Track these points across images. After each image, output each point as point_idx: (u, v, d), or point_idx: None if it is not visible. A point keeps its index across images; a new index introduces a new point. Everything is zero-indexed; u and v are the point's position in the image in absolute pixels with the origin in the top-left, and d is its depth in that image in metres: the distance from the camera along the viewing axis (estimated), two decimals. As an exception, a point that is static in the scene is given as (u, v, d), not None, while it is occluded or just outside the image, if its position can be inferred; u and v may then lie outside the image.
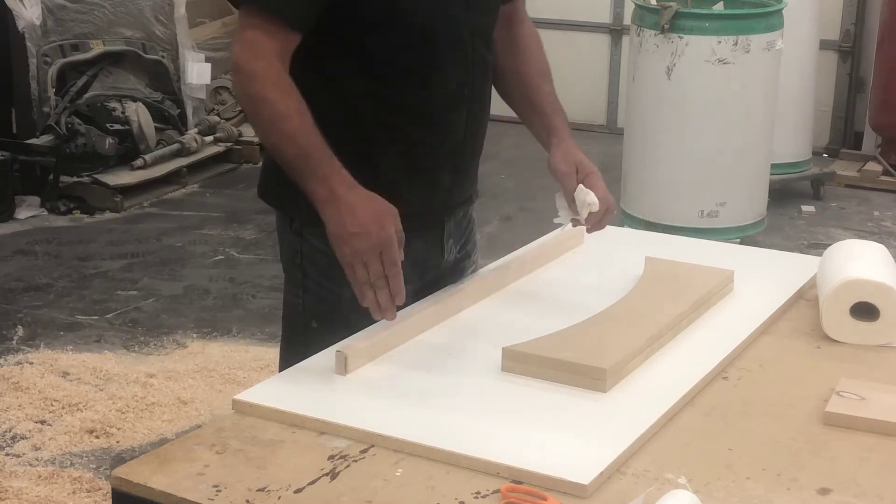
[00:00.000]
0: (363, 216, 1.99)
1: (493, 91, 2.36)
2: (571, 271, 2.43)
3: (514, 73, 2.37)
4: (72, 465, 3.61)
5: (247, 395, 1.86)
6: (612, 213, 2.28)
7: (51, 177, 5.99)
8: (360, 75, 2.14)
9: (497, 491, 1.60)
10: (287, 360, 2.19)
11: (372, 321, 2.05)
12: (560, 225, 2.35)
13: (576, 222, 2.29)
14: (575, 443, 1.72)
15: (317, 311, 2.24)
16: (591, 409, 1.82)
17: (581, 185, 2.23)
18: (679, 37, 5.07)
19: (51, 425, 3.83)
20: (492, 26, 2.30)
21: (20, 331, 4.60)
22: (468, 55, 2.22)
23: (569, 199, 2.26)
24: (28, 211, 5.98)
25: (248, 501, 1.58)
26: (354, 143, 2.15)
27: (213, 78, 6.82)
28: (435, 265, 2.30)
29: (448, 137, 2.23)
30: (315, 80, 2.11)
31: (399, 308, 2.02)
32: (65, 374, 4.19)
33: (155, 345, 4.48)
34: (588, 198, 2.22)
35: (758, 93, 5.19)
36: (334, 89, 2.15)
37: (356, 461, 1.68)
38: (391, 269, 1.97)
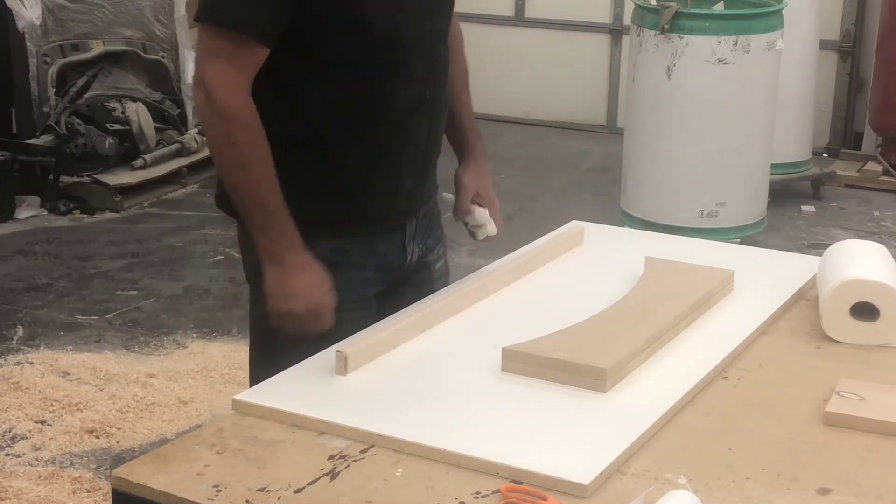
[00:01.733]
0: (303, 280, 2.09)
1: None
2: (571, 271, 2.43)
3: None
4: (72, 465, 3.61)
5: (247, 395, 1.86)
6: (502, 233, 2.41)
7: (51, 177, 5.99)
8: (323, 83, 2.12)
9: (497, 491, 1.60)
10: (258, 372, 2.18)
11: (341, 326, 2.08)
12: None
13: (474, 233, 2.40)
14: (575, 443, 1.72)
15: None
16: (591, 409, 1.82)
17: (483, 210, 2.36)
18: (679, 37, 5.07)
19: (51, 425, 3.83)
20: (448, 26, 2.29)
21: (20, 331, 4.60)
22: (431, 59, 2.22)
23: (460, 211, 2.37)
24: (28, 211, 5.97)
25: (248, 501, 1.58)
26: (316, 150, 2.14)
27: (213, 78, 6.81)
28: (398, 267, 2.30)
29: (411, 141, 2.22)
30: (276, 87, 2.10)
31: (370, 320, 2.14)
32: (65, 374, 4.19)
33: (155, 345, 4.48)
34: (489, 227, 2.37)
35: (758, 93, 5.19)
36: (295, 97, 2.13)
37: (356, 461, 1.68)
38: (316, 327, 2.10)
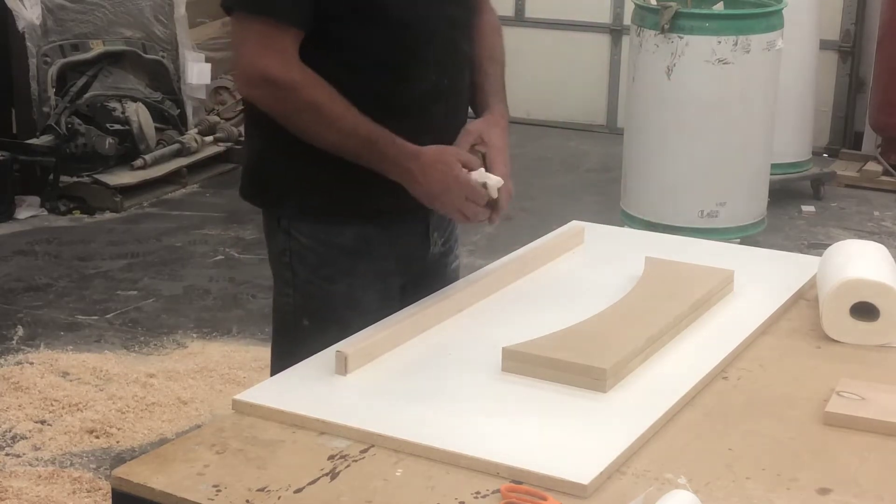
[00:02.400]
0: (436, 174, 2.12)
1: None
2: (571, 271, 2.43)
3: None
4: (72, 465, 3.61)
5: (247, 395, 1.86)
6: (510, 198, 2.26)
7: (51, 177, 5.98)
8: (339, 69, 2.13)
9: (497, 491, 1.60)
10: (279, 361, 2.20)
11: (365, 316, 2.08)
12: None
13: None
14: (575, 443, 1.72)
15: (308, 308, 2.25)
16: (591, 409, 1.82)
17: (482, 170, 2.20)
18: (679, 37, 5.07)
19: (51, 425, 3.83)
20: (469, 18, 2.31)
21: (20, 331, 4.60)
22: (447, 47, 2.24)
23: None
24: (28, 211, 5.97)
25: (248, 501, 1.58)
26: None
27: (213, 78, 6.82)
28: (420, 257, 2.32)
29: (429, 130, 2.22)
30: None
31: (392, 309, 2.14)
32: (65, 374, 4.19)
33: (155, 345, 4.48)
34: (489, 180, 2.18)
35: (758, 93, 5.19)
36: None
37: (356, 461, 1.68)
38: (473, 193, 2.14)
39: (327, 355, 1.97)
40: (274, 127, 2.16)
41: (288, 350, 2.16)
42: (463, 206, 2.13)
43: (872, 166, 6.66)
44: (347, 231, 2.22)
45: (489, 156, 2.24)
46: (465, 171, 2.14)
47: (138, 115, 6.31)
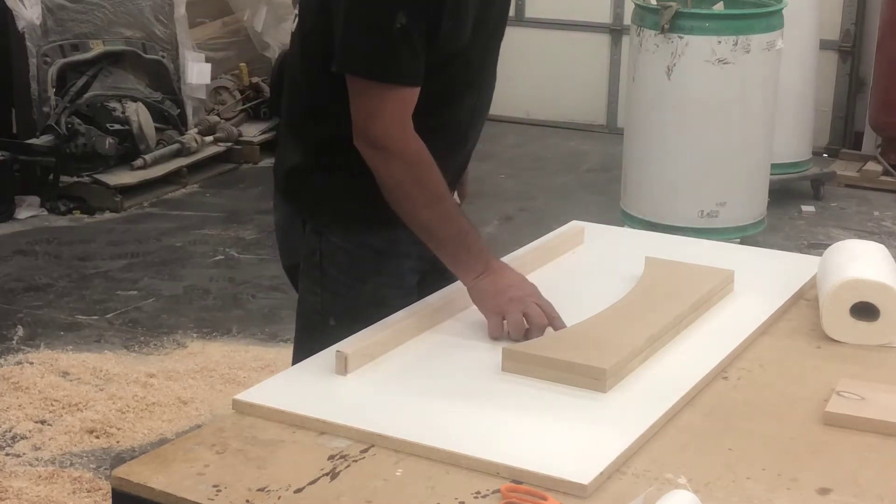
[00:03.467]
0: (514, 277, 2.14)
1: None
2: (571, 271, 2.43)
3: None
4: (72, 465, 3.61)
5: (247, 395, 1.86)
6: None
7: (51, 177, 5.98)
8: None
9: (497, 491, 1.60)
10: (301, 360, 2.20)
11: (389, 313, 2.12)
12: None
13: None
14: (575, 443, 1.72)
15: (336, 308, 2.28)
16: (591, 409, 1.82)
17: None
18: (679, 37, 5.07)
19: (51, 425, 3.83)
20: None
21: (20, 331, 4.60)
22: (490, 74, 2.32)
23: None
24: (28, 211, 5.97)
25: (248, 501, 1.58)
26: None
27: (213, 78, 6.82)
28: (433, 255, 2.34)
29: (459, 151, 2.31)
30: (344, 102, 2.12)
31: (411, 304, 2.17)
32: (65, 374, 4.19)
33: (155, 345, 4.48)
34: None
35: (758, 93, 5.19)
36: None
37: (356, 461, 1.68)
38: (552, 310, 2.09)
39: (327, 355, 1.97)
40: (317, 142, 2.23)
41: (311, 348, 2.17)
42: (527, 304, 2.08)
43: (872, 166, 6.66)
44: (379, 232, 2.25)
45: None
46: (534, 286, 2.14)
47: (138, 115, 6.31)
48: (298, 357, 2.29)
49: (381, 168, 2.11)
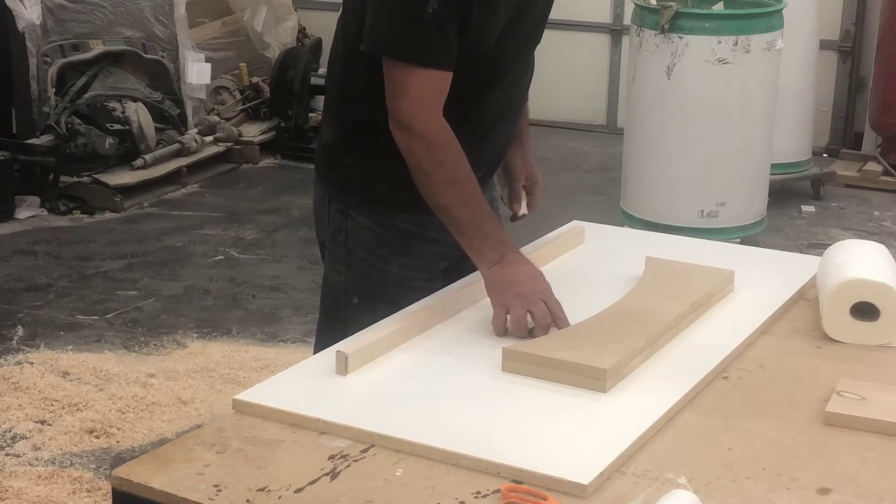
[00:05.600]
0: (527, 271, 2.14)
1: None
2: (571, 271, 2.43)
3: None
4: (72, 465, 3.61)
5: (247, 395, 1.86)
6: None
7: (51, 177, 5.99)
8: None
9: (497, 491, 1.60)
10: (324, 338, 2.25)
11: (413, 294, 2.15)
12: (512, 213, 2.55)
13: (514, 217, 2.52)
14: (575, 443, 1.72)
15: (359, 286, 2.31)
16: (591, 409, 1.82)
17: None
18: (679, 37, 5.07)
19: (51, 425, 3.83)
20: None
21: (20, 331, 4.60)
22: (525, 71, 2.33)
23: (511, 196, 2.49)
24: (28, 211, 5.97)
25: (248, 501, 1.58)
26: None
27: (213, 78, 6.82)
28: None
29: (492, 145, 2.33)
30: (379, 86, 2.14)
31: (436, 289, 2.22)
32: (65, 374, 4.19)
33: (155, 345, 4.48)
34: (523, 206, 2.49)
35: (758, 93, 5.18)
36: None
37: (356, 461, 1.68)
38: (558, 310, 2.08)
39: (327, 355, 1.97)
40: (350, 123, 2.26)
41: (334, 326, 2.19)
42: (534, 302, 2.08)
43: (872, 166, 6.66)
44: (407, 216, 2.28)
45: (533, 191, 2.50)
46: (548, 285, 2.14)
47: (138, 115, 6.31)
48: (322, 333, 2.35)
49: (404, 147, 2.14)
